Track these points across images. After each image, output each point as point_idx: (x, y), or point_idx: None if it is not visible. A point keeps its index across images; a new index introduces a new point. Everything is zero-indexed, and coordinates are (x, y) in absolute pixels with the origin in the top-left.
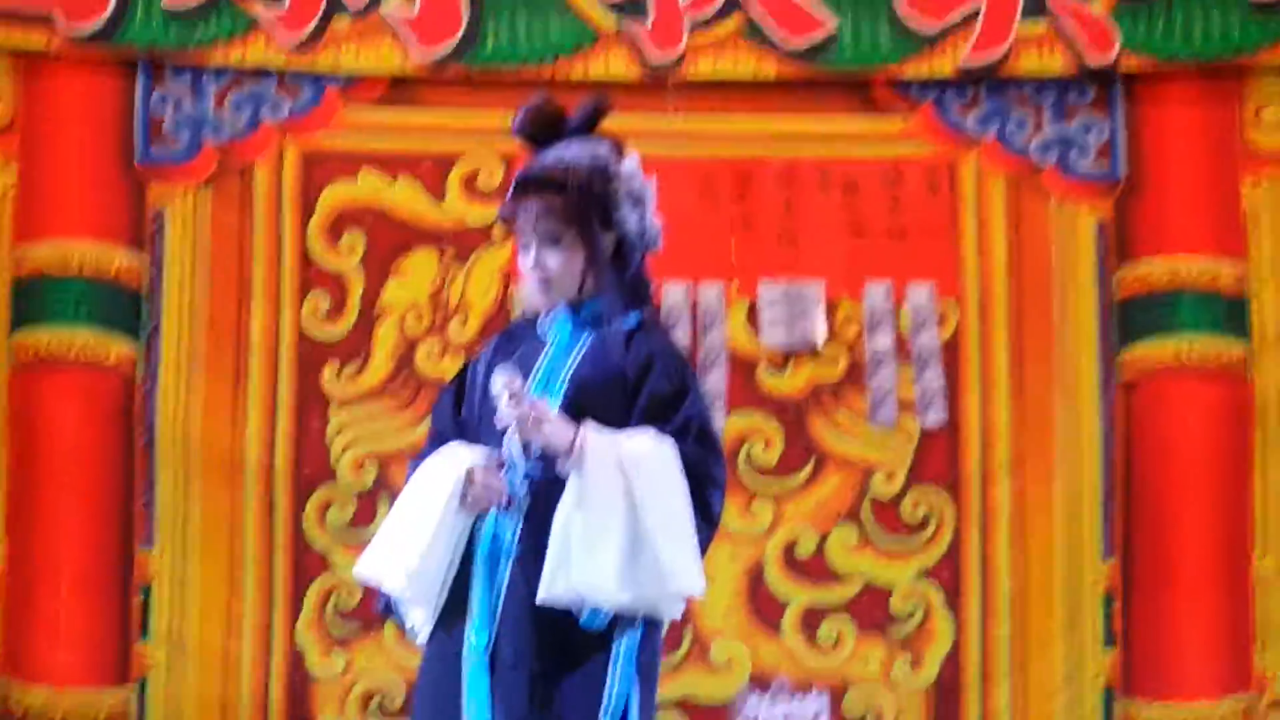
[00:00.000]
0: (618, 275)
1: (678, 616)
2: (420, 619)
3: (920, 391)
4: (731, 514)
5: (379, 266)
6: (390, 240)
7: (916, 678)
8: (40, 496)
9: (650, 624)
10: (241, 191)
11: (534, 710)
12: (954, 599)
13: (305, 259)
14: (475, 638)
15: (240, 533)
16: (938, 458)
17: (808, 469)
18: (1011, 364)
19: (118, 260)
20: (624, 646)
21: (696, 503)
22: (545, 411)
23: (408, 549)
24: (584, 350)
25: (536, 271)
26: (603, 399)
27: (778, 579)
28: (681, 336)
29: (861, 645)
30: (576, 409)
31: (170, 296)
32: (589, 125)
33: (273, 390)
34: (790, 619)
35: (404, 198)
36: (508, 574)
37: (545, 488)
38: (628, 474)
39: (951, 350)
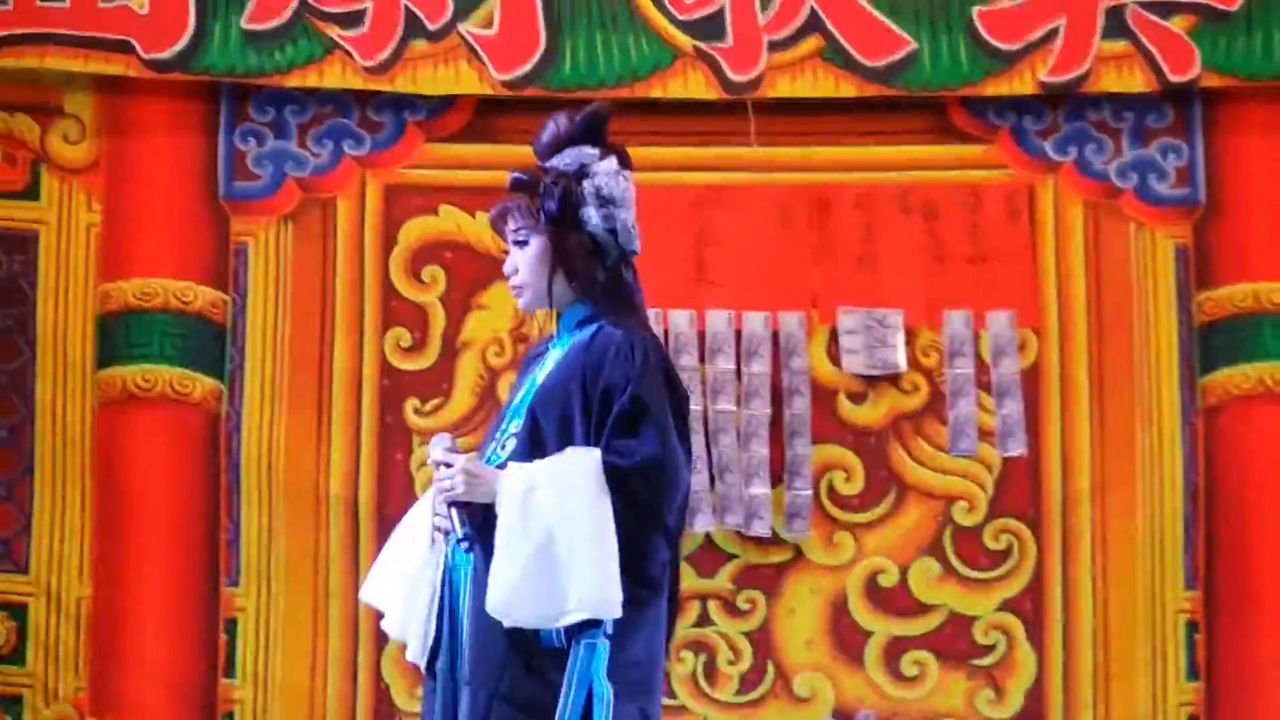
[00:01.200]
0: (592, 278)
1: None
2: (411, 651)
3: (1000, 421)
4: (814, 546)
5: (460, 300)
6: (471, 273)
7: (1000, 710)
8: (126, 533)
9: (623, 633)
10: (324, 225)
11: None
12: (1036, 630)
13: (387, 293)
14: (440, 660)
15: (325, 567)
16: (1019, 488)
17: (889, 500)
18: (1092, 391)
19: (201, 296)
20: (579, 658)
21: (622, 512)
22: (470, 471)
23: (386, 586)
24: (559, 358)
25: (510, 276)
26: (561, 404)
27: (860, 611)
28: (762, 367)
29: (945, 677)
30: (533, 420)
31: (254, 331)
32: (588, 133)
33: (356, 424)
34: (873, 651)
35: (484, 231)
36: (466, 599)
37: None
38: (532, 500)
39: (1031, 378)
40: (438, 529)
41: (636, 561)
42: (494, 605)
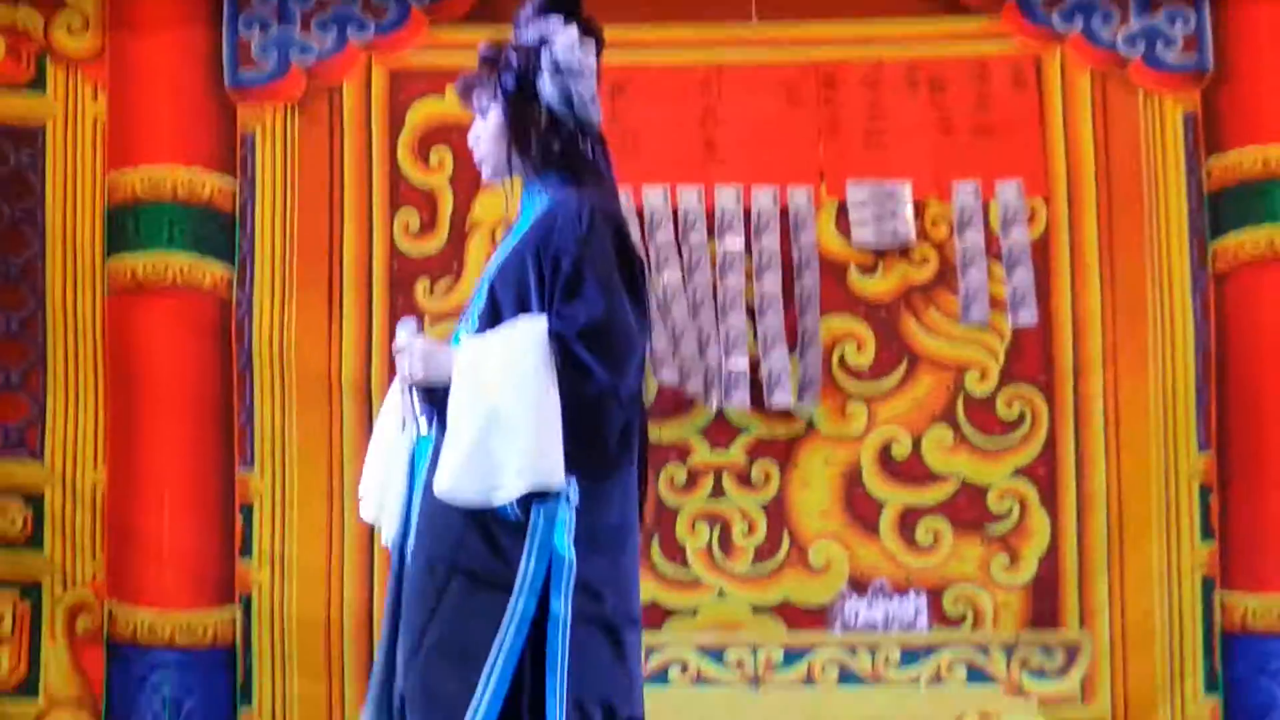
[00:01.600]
0: (547, 150)
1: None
2: (385, 535)
3: (1011, 289)
4: (826, 417)
5: (468, 181)
6: None
7: (1014, 575)
8: (139, 420)
9: (589, 502)
10: (330, 111)
11: (450, 599)
12: (1050, 496)
13: (395, 176)
14: (397, 539)
15: (339, 450)
16: (1030, 355)
17: (901, 370)
18: (1102, 258)
19: (210, 184)
20: (538, 528)
21: (569, 379)
22: (426, 352)
23: (366, 472)
24: (518, 230)
25: (473, 147)
26: (516, 276)
27: (874, 481)
28: (771, 241)
29: (959, 545)
30: (492, 294)
31: (263, 218)
32: (558, 5)
33: (367, 308)
34: (887, 520)
35: None
36: (422, 479)
37: None
38: (477, 373)
39: (1041, 247)
40: (403, 413)
41: (589, 429)
42: (439, 488)
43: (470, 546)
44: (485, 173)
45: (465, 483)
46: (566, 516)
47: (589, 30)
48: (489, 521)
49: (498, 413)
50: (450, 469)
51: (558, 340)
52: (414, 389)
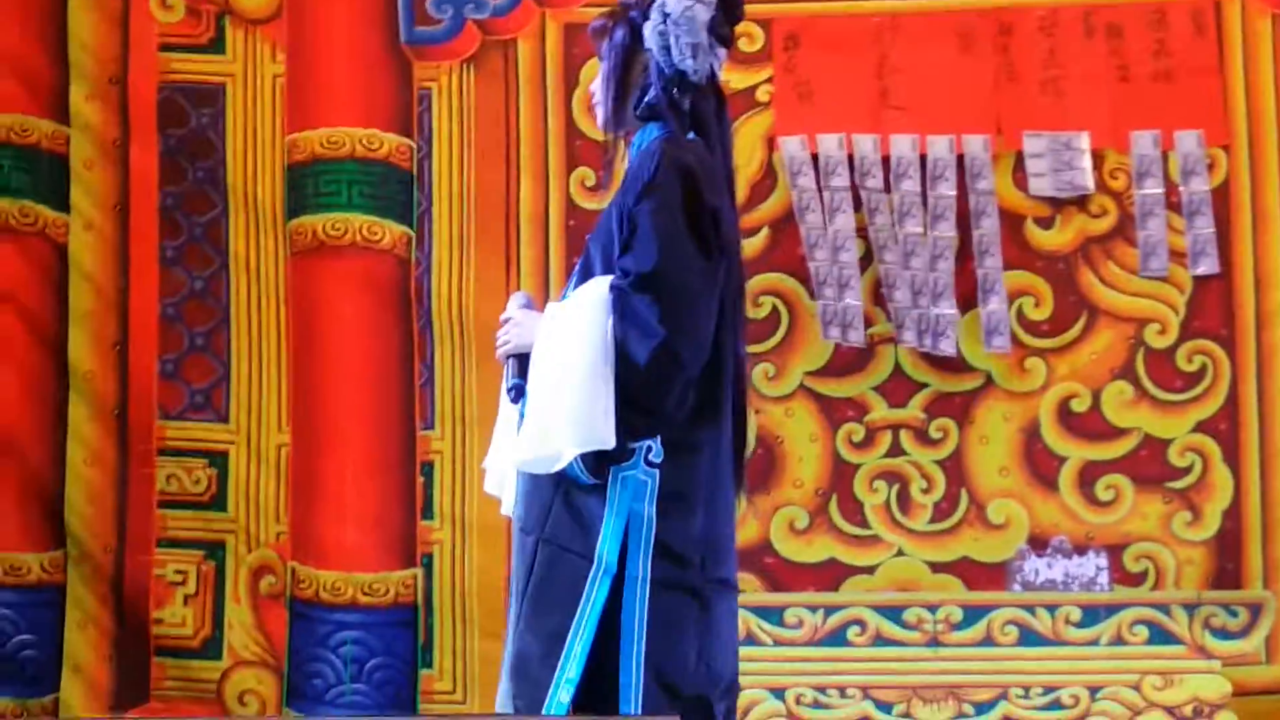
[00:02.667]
0: (645, 99)
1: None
2: (504, 506)
3: (1191, 240)
4: (1005, 373)
5: None
6: None
7: (1197, 532)
8: (323, 382)
9: (666, 462)
10: (505, 67)
11: (538, 569)
12: (1232, 451)
13: (571, 133)
14: (512, 510)
15: None
16: (1211, 308)
17: (1079, 324)
18: None
19: (387, 143)
20: (616, 491)
21: (624, 337)
22: (518, 322)
23: (491, 447)
24: (621, 184)
25: (592, 94)
26: (605, 230)
27: (1053, 437)
28: (948, 189)
29: (1140, 501)
30: (587, 251)
31: (440, 176)
32: None
33: (544, 265)
34: (1067, 477)
35: None
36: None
37: None
38: (549, 340)
39: (1221, 197)
40: (505, 384)
41: (643, 386)
42: (515, 459)
43: (555, 515)
44: (598, 122)
45: (531, 451)
46: (646, 477)
47: None
48: (570, 488)
49: (557, 377)
50: (521, 438)
51: (615, 294)
52: (511, 359)
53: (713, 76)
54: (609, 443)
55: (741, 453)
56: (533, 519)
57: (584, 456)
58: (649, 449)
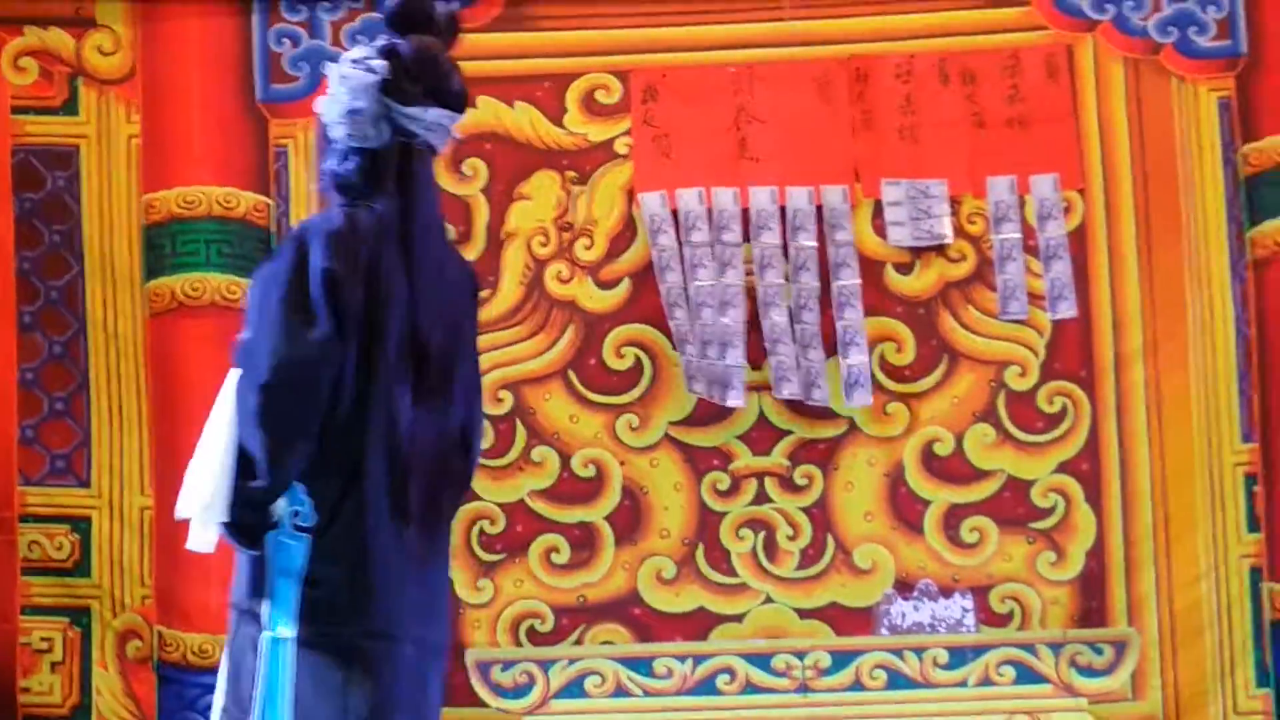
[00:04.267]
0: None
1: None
2: None
3: (1049, 284)
4: (868, 418)
5: (503, 190)
6: (512, 164)
7: (1061, 571)
8: (182, 443)
9: (324, 521)
10: None
11: (229, 637)
12: (1094, 491)
13: None
14: None
15: None
16: (1070, 350)
17: (941, 368)
18: (1140, 250)
19: (244, 201)
20: (271, 556)
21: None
22: None
23: None
24: None
25: None
26: None
27: (917, 480)
28: (808, 239)
29: (1004, 542)
30: None
31: None
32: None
33: None
34: (931, 520)
35: (524, 120)
36: None
37: None
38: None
39: (1078, 240)
40: None
41: (251, 459)
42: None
43: (237, 579)
44: None
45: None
46: (294, 541)
47: (388, 51)
48: (246, 555)
49: (201, 446)
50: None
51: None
52: None
53: (410, 135)
54: (188, 513)
55: (406, 507)
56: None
57: (231, 527)
58: (295, 513)
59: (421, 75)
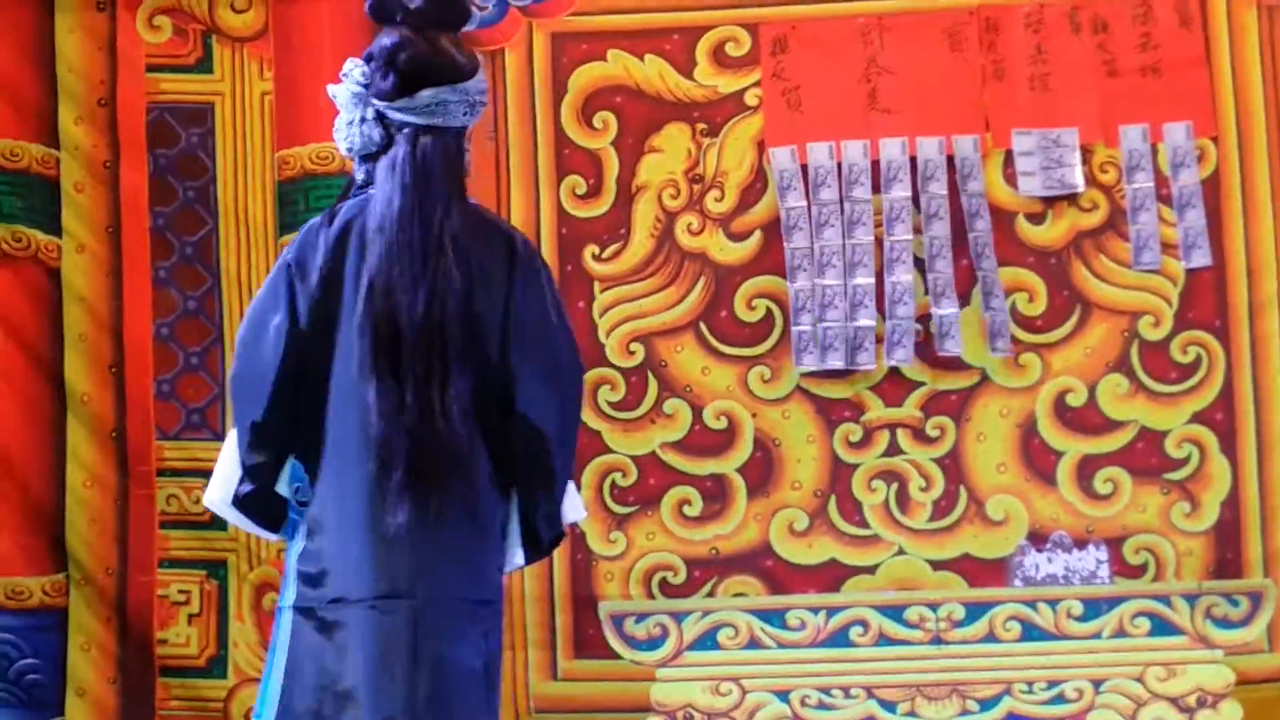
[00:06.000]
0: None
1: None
2: None
3: (1183, 233)
4: (1000, 369)
5: (633, 144)
6: (642, 116)
7: (1195, 522)
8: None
9: (312, 494)
10: (493, 77)
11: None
12: (1229, 441)
13: (560, 141)
14: None
15: None
16: (1204, 299)
17: (1073, 319)
18: (1274, 196)
19: None
20: (289, 536)
21: None
22: None
23: None
24: None
25: None
26: None
27: (1050, 431)
28: (940, 189)
29: (1138, 493)
30: None
31: None
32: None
33: None
34: (1065, 471)
35: (654, 73)
36: None
37: None
38: None
39: (1212, 188)
40: None
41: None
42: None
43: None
44: None
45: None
46: (298, 516)
47: (377, 52)
48: None
49: None
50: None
51: None
52: None
53: (393, 126)
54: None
55: (384, 478)
56: None
57: (244, 509)
58: (296, 489)
59: (396, 67)
